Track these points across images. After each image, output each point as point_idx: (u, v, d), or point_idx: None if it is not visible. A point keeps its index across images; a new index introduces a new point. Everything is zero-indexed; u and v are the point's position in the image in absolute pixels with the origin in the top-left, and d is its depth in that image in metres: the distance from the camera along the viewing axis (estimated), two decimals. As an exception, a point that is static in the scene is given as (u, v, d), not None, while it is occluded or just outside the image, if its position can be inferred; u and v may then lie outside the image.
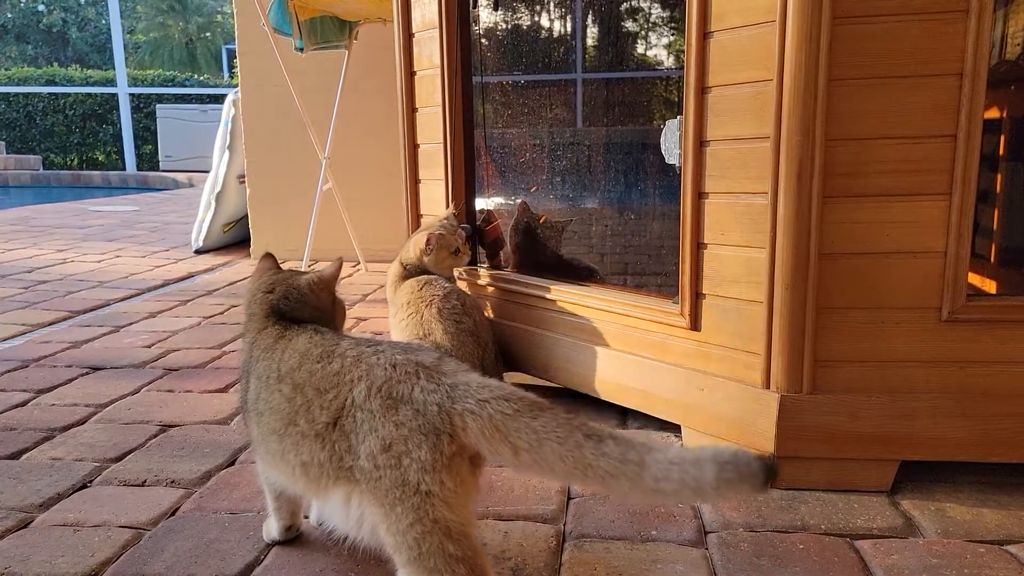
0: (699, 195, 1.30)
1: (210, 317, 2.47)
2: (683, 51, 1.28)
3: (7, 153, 9.76)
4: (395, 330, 1.66)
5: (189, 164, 10.04)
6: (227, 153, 3.53)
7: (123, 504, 1.20)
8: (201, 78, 14.25)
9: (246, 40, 3.35)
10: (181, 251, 3.79)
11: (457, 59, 1.77)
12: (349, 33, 2.84)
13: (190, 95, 11.75)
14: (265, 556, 1.05)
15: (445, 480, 0.79)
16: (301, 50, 2.57)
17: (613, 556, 1.04)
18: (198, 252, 3.73)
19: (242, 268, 3.37)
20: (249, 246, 3.63)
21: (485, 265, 1.88)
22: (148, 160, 11.49)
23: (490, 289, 1.81)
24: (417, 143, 1.94)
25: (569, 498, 1.21)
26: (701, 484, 0.71)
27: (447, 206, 1.85)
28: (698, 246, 1.32)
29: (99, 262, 3.43)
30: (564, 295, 1.60)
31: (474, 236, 1.88)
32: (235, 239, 3.90)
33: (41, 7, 21.69)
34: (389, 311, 1.74)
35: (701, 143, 1.28)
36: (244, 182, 3.56)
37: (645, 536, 1.09)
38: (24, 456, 1.39)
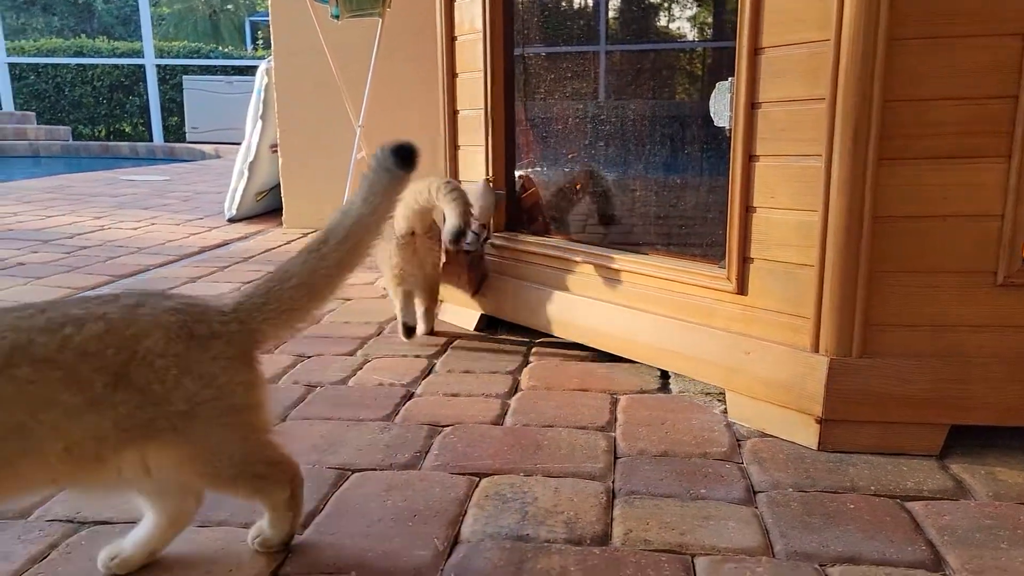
0: (749, 158, 1.29)
1: (248, 283, 2.50)
2: (734, 14, 1.27)
3: (38, 124, 9.86)
4: None
5: (215, 135, 10.10)
6: (260, 123, 3.55)
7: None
8: (226, 50, 14.25)
9: (279, 9, 3.35)
10: (214, 220, 3.83)
11: (500, 24, 1.77)
12: (383, 0, 2.83)
13: (215, 67, 11.79)
14: (328, 500, 1.08)
15: (262, 391, 0.90)
16: (337, 17, 2.57)
17: (664, 512, 1.05)
18: (231, 220, 3.76)
19: (274, 236, 3.40)
20: (281, 215, 3.65)
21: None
22: (174, 131, 11.56)
23: (530, 254, 1.82)
24: (457, 109, 1.94)
25: (616, 457, 1.23)
26: None
27: (487, 172, 1.86)
28: (747, 210, 1.31)
29: (135, 229, 3.48)
30: (605, 260, 1.61)
31: (514, 202, 1.89)
32: (267, 208, 3.93)
33: (67, -22, 21.78)
34: None
35: (752, 105, 1.27)
36: (276, 151, 3.58)
37: (695, 495, 1.10)
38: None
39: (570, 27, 2.08)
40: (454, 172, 1.98)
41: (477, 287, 1.91)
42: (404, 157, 0.95)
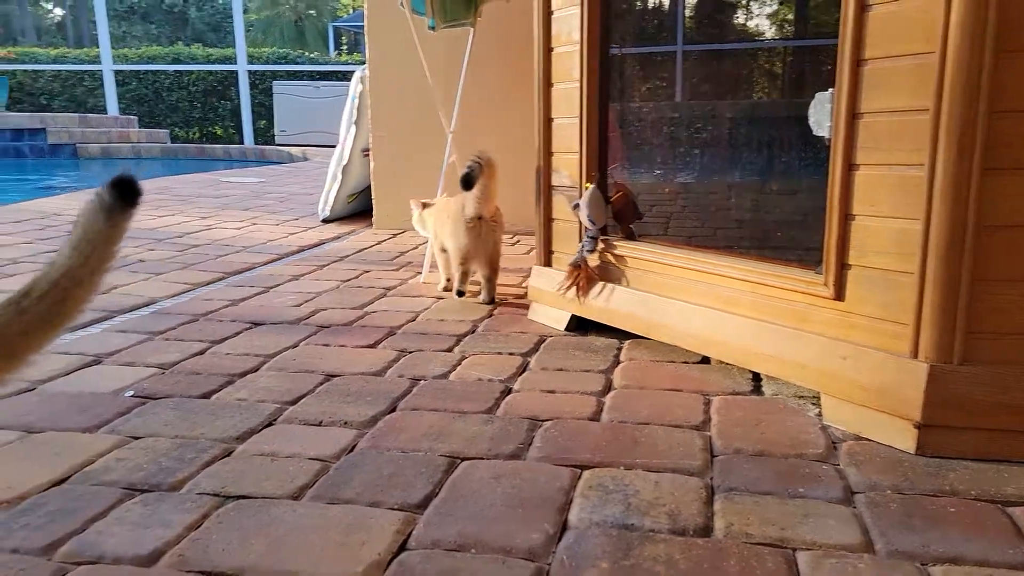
0: (849, 167, 1.32)
1: (346, 281, 2.64)
2: (837, 23, 1.30)
3: (139, 127, 10.43)
4: None
5: (302, 138, 10.48)
6: (353, 128, 3.71)
7: (307, 440, 1.35)
8: (311, 55, 14.74)
9: (375, 19, 3.50)
10: (309, 220, 4.01)
11: (596, 36, 1.83)
12: (475, 11, 2.92)
13: (300, 72, 12.21)
14: (441, 486, 1.17)
15: None
16: (433, 28, 2.68)
17: (764, 508, 1.10)
18: (324, 221, 3.94)
19: (365, 237, 3.55)
20: (371, 216, 3.80)
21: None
22: (261, 134, 12.03)
23: (620, 257, 1.87)
24: (551, 117, 2.01)
25: (713, 455, 1.28)
26: None
27: (579, 179, 1.92)
28: (845, 217, 1.34)
29: (239, 229, 3.69)
30: (696, 264, 1.65)
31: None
32: (357, 209, 4.10)
33: (164, -12, 22.88)
34: None
35: (854, 115, 1.30)
36: (368, 155, 3.73)
37: (793, 493, 1.14)
38: (214, 396, 1.56)
39: (660, 33, 2.13)
40: (547, 178, 2.05)
41: (588, 289, 1.97)
42: (127, 192, 0.79)
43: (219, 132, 13.05)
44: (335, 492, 1.16)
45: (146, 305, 2.30)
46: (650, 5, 2.16)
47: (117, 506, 1.13)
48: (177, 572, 0.96)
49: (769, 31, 2.19)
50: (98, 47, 11.15)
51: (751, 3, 2.20)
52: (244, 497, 1.15)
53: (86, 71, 12.66)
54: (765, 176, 1.92)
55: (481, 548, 1.01)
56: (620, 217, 1.97)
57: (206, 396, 1.56)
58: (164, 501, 1.14)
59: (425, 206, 2.57)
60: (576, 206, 1.90)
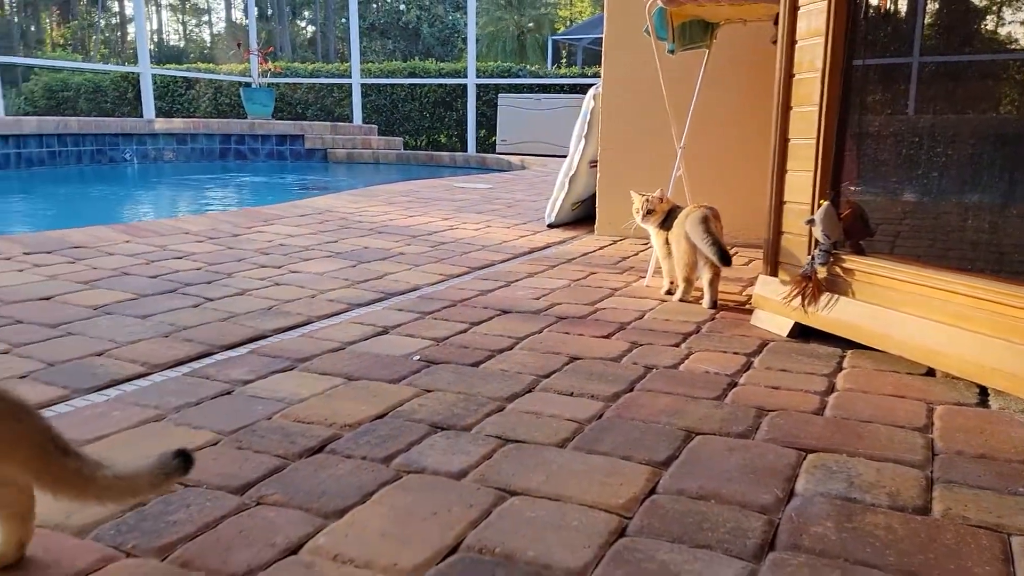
0: (1095, 194, 1.37)
1: (576, 280, 2.93)
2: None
3: (378, 135, 11.58)
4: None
5: (521, 148, 11.09)
6: (583, 141, 4.01)
7: (562, 405, 1.63)
8: (532, 68, 15.47)
9: (612, 41, 3.79)
10: (535, 224, 4.38)
11: (839, 62, 1.96)
12: (711, 34, 3.10)
13: (521, 84, 12.90)
14: (681, 451, 1.39)
15: None
16: (672, 52, 2.90)
17: (981, 500, 1.21)
18: (550, 226, 4.29)
19: (588, 241, 3.83)
20: (593, 223, 4.09)
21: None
22: (481, 143, 12.86)
23: (848, 271, 1.98)
24: (788, 138, 2.15)
25: (934, 454, 1.39)
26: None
27: (812, 195, 2.05)
28: (1088, 242, 1.39)
29: (476, 230, 4.13)
30: (928, 280, 1.74)
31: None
32: (580, 216, 4.40)
33: (402, 6, 24.91)
34: None
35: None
36: (595, 167, 4.02)
37: (1011, 491, 1.24)
38: (481, 366, 1.89)
39: (897, 44, 2.19)
40: (779, 194, 2.19)
41: (816, 299, 2.09)
42: (187, 463, 1.03)
43: (443, 140, 14.11)
44: (591, 446, 1.42)
45: (412, 290, 2.73)
46: (891, 25, 2.22)
47: (427, 437, 1.46)
48: (480, 486, 1.27)
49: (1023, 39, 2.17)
50: (342, 62, 12.49)
51: (1003, 9, 2.19)
52: (520, 441, 1.44)
53: (335, 84, 14.22)
54: (1005, 196, 1.94)
55: (720, 500, 1.22)
56: (849, 233, 2.07)
57: (475, 365, 1.90)
58: (460, 437, 1.46)
59: (647, 200, 2.67)
60: (810, 221, 2.04)
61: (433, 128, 14.09)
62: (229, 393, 1.68)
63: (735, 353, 2.01)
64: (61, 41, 38.43)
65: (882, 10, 2.07)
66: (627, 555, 1.06)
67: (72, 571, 1.02)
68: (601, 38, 3.89)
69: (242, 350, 1.99)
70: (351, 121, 12.35)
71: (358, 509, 1.19)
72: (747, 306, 2.47)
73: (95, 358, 1.87)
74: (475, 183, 6.73)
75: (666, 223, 2.61)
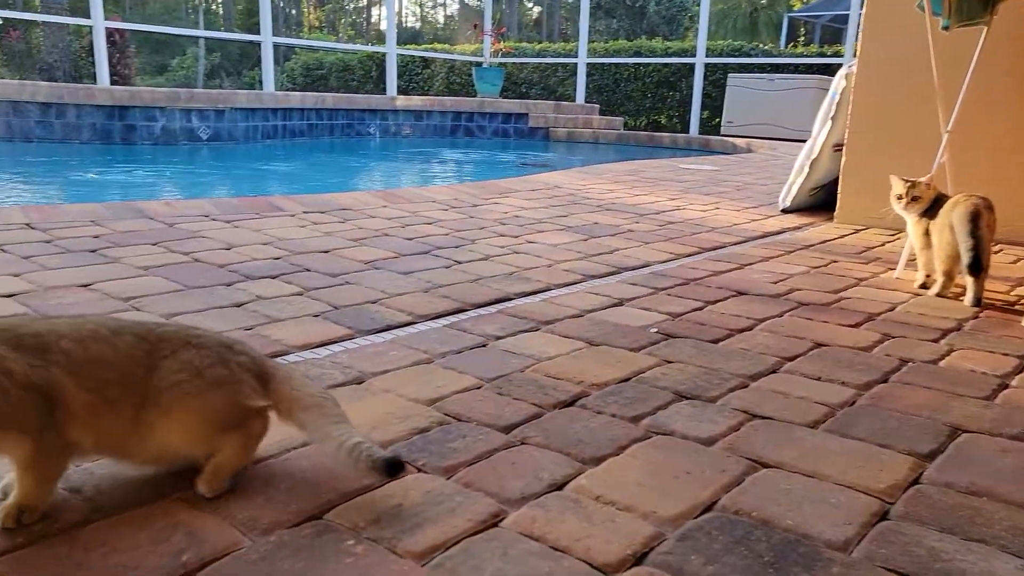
0: None
1: (815, 267, 2.82)
2: None
3: (600, 115, 11.68)
4: None
5: (747, 130, 10.68)
6: (829, 123, 3.81)
7: (810, 388, 1.60)
8: (764, 47, 14.76)
9: (873, 17, 3.55)
10: (766, 209, 4.24)
11: None
12: (991, 9, 2.81)
13: (752, 64, 12.36)
14: (946, 447, 1.33)
15: None
16: (947, 28, 2.67)
17: None
18: (784, 211, 4.13)
19: (825, 229, 3.65)
20: (831, 210, 3.88)
21: None
22: (703, 125, 12.51)
23: None
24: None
25: None
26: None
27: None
28: None
29: (704, 211, 4.08)
30: None
31: None
32: (817, 202, 4.19)
33: (627, -15, 24.75)
34: None
35: None
36: (839, 151, 3.80)
37: None
38: (720, 343, 1.91)
39: None
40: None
41: None
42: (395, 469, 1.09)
43: (663, 121, 13.91)
44: (845, 430, 1.40)
45: (643, 267, 2.78)
46: None
47: (672, 403, 1.52)
48: (731, 454, 1.30)
49: None
50: (565, 42, 12.66)
51: None
52: (768, 418, 1.45)
53: (560, 63, 14.49)
54: None
55: (993, 497, 1.16)
56: None
57: (714, 342, 1.92)
58: (706, 408, 1.50)
59: (912, 185, 2.50)
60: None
61: (654, 108, 13.93)
62: (484, 346, 1.84)
63: (1004, 354, 1.85)
64: (316, 24, 42.50)
65: None
66: (891, 537, 1.05)
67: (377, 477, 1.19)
68: (843, 14, 3.71)
69: (491, 309, 2.15)
70: (573, 100, 12.56)
71: (613, 459, 1.27)
72: (1017, 307, 2.26)
73: (370, 305, 2.12)
74: (700, 164, 6.61)
75: (929, 212, 2.44)
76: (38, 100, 7.29)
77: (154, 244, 2.71)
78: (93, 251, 2.57)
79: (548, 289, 2.39)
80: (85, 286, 2.16)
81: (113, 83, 9.37)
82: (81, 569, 0.93)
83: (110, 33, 9.95)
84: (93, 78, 8.89)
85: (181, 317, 1.92)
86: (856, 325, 2.08)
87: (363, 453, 1.07)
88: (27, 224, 2.90)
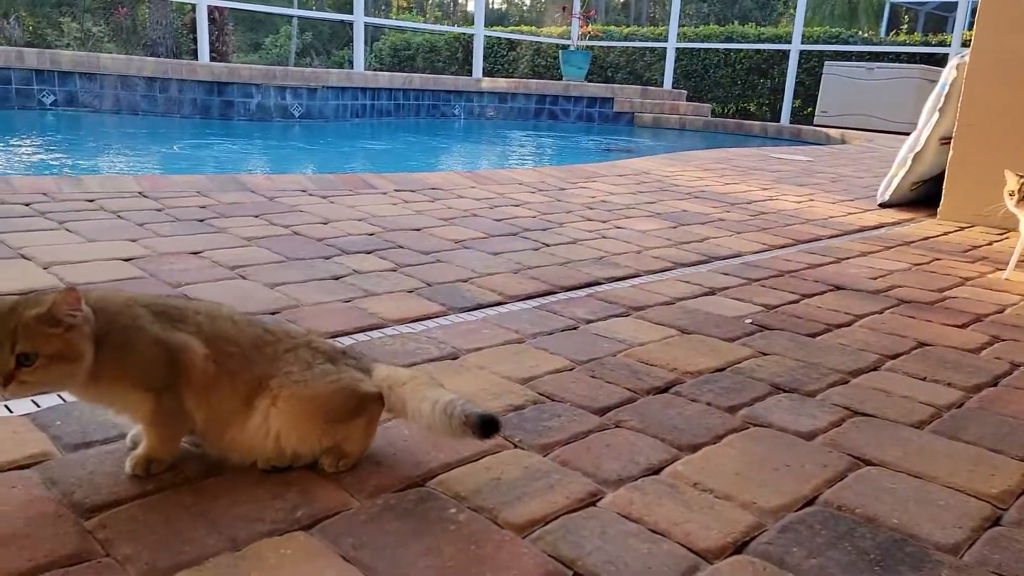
0: None
1: (917, 264, 2.71)
2: None
3: (686, 101, 11.45)
4: None
5: (842, 121, 10.28)
6: (936, 115, 3.64)
7: (914, 388, 1.55)
8: (864, 35, 14.15)
9: (989, 6, 3.36)
10: (863, 202, 4.09)
11: None
12: None
13: (850, 52, 11.87)
14: (1065, 458, 1.27)
15: None
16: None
17: None
18: (882, 205, 3.97)
19: (928, 225, 3.50)
20: (934, 206, 3.71)
21: None
22: (794, 114, 12.11)
23: None
24: None
25: None
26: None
27: None
28: None
29: (798, 203, 3.97)
30: None
31: None
32: (919, 197, 4.02)
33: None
34: None
35: None
36: (946, 144, 3.63)
37: None
38: (818, 337, 1.86)
39: None
40: None
41: None
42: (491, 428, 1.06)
43: (752, 109, 13.53)
44: (953, 432, 1.35)
45: (735, 256, 2.73)
46: None
47: (770, 395, 1.49)
48: (832, 449, 1.27)
49: None
50: (652, 26, 12.42)
51: None
52: (870, 415, 1.42)
53: (648, 47, 14.24)
54: None
55: (1117, 513, 1.10)
56: None
57: (812, 335, 1.87)
58: (805, 402, 1.47)
59: None
60: None
61: (744, 96, 13.56)
62: (575, 328, 1.85)
63: None
64: (404, 4, 42.99)
65: None
66: (1006, 543, 1.02)
67: (476, 450, 1.22)
68: (951, 2, 3.50)
69: (580, 293, 2.16)
70: (660, 85, 12.34)
71: (710, 448, 1.27)
72: None
73: (462, 283, 2.16)
74: (792, 154, 6.41)
75: None
76: (144, 75, 7.64)
77: (256, 216, 2.82)
78: (201, 220, 2.70)
79: (637, 275, 2.38)
80: (195, 253, 2.27)
81: (212, 60, 9.73)
82: (207, 516, 1.00)
83: (211, 11, 10.31)
84: (193, 54, 9.26)
85: (284, 287, 2.00)
86: (963, 326, 2.00)
87: (457, 409, 1.06)
88: (140, 192, 3.06)
